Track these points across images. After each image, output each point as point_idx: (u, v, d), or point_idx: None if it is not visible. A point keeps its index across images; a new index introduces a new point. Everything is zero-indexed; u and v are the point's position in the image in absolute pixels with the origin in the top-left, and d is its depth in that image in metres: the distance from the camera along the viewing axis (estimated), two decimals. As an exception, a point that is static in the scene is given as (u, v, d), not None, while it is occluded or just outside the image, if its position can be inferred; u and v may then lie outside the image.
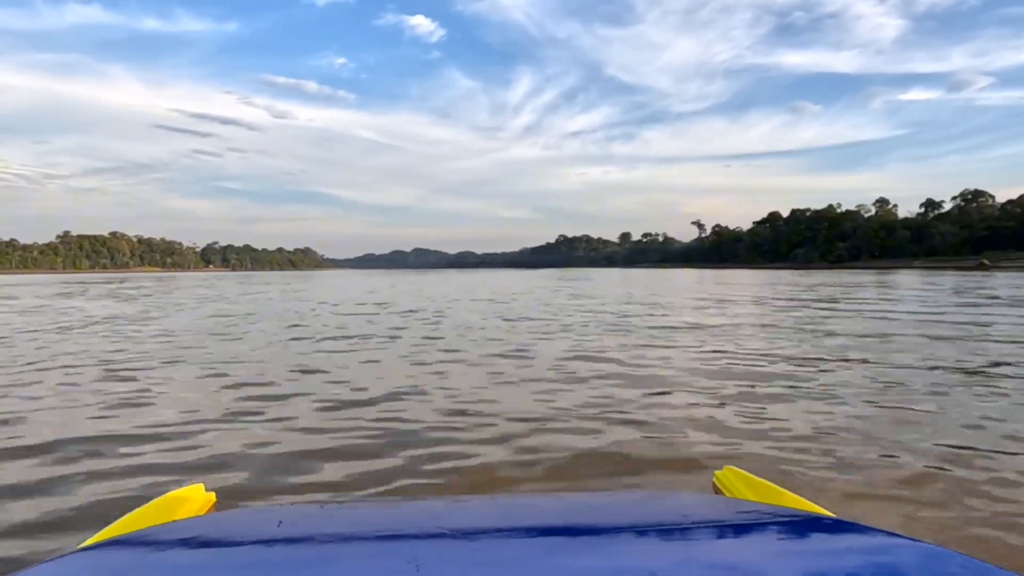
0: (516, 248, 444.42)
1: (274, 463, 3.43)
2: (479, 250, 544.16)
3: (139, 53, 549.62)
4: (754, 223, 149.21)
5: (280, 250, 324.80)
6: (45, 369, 6.57)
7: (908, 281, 31.06)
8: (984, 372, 5.90)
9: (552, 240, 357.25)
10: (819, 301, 16.96)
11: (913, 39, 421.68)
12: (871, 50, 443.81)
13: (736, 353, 7.39)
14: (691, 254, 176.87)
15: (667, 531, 0.66)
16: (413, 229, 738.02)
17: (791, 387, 5.33)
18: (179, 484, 1.66)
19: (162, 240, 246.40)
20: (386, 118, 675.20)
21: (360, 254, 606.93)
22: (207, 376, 6.14)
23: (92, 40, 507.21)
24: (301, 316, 13.73)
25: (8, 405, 4.87)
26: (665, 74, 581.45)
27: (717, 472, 1.08)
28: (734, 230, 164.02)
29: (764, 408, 4.60)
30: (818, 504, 0.85)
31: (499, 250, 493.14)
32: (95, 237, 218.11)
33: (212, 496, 1.02)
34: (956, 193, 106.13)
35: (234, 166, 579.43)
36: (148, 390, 5.45)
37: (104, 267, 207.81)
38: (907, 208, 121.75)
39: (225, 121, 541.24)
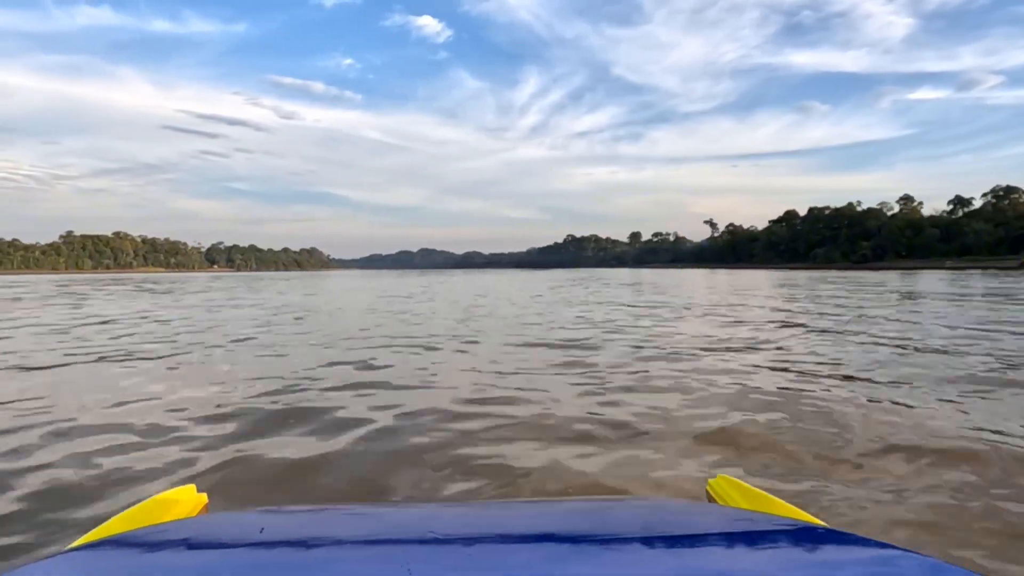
0: (523, 248, 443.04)
1: None
2: (486, 250, 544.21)
3: (148, 54, 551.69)
4: (770, 222, 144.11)
5: (286, 250, 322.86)
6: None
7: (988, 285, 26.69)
8: None
9: (560, 240, 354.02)
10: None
11: (922, 38, 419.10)
12: (879, 49, 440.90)
13: None
14: (704, 254, 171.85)
15: (659, 539, 0.65)
16: (419, 229, 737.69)
17: None
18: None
19: (166, 240, 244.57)
20: (393, 119, 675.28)
21: (366, 254, 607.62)
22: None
23: (102, 42, 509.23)
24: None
25: None
26: (672, 74, 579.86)
27: (710, 480, 1.06)
28: (749, 229, 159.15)
29: None
30: (811, 513, 0.82)
31: (506, 250, 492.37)
32: (98, 237, 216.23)
33: (204, 497, 1.01)
34: (986, 190, 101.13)
35: (242, 167, 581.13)
36: None
37: (107, 267, 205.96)
38: (929, 207, 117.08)
39: (232, 122, 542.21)
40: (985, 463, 3.26)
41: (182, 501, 0.95)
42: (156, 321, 12.63)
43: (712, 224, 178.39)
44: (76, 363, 6.97)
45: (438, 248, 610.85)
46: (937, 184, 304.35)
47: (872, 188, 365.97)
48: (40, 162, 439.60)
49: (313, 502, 1.59)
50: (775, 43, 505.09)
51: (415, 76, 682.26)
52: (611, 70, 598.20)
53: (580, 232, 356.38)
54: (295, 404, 4.79)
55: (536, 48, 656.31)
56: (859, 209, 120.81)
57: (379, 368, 6.50)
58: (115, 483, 3.07)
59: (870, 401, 4.72)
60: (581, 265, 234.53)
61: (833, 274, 52.74)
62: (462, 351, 7.91)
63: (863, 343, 8.08)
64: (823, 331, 9.61)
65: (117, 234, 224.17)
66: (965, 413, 4.33)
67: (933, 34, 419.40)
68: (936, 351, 7.22)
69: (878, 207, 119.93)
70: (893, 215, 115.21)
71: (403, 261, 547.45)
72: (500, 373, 6.12)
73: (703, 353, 7.39)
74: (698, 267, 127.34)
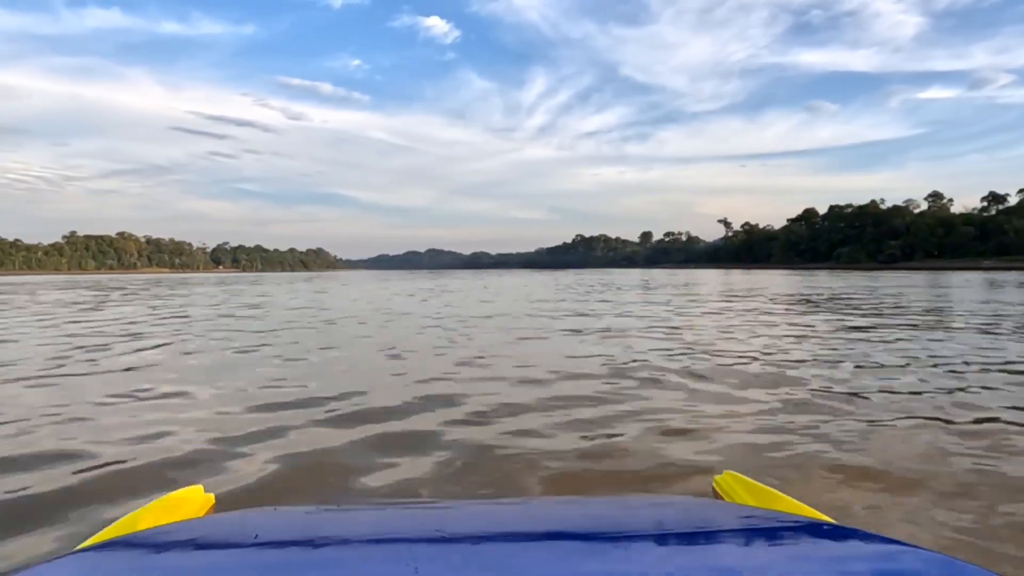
0: (531, 248, 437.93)
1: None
2: (493, 250, 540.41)
3: (157, 56, 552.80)
4: (788, 220, 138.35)
5: (292, 251, 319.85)
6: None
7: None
8: None
9: (568, 240, 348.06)
10: None
11: (932, 37, 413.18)
12: (889, 48, 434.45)
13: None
14: (718, 254, 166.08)
15: (666, 536, 0.65)
16: (427, 230, 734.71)
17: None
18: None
19: (171, 240, 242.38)
20: (401, 119, 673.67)
21: (374, 255, 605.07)
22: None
23: (112, 44, 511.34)
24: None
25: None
26: (680, 74, 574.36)
27: (716, 477, 1.04)
28: (765, 228, 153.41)
29: None
30: (818, 510, 0.81)
31: (514, 250, 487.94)
32: (101, 237, 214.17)
33: (211, 498, 1.00)
34: (999, 190, 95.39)
35: (250, 168, 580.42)
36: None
37: (111, 268, 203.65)
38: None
39: (241, 123, 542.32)
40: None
41: (190, 501, 0.94)
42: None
43: (727, 223, 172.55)
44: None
45: (445, 248, 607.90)
46: (947, 183, 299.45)
47: (882, 188, 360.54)
48: (51, 163, 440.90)
49: (320, 502, 1.34)
50: (784, 42, 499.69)
51: (423, 77, 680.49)
52: (619, 70, 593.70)
53: (588, 232, 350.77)
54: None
55: (543, 48, 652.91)
56: (883, 207, 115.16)
57: None
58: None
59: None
60: (590, 265, 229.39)
61: (886, 275, 47.67)
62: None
63: None
64: None
65: (121, 234, 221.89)
66: None
67: (943, 33, 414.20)
68: None
69: (903, 204, 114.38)
70: (921, 212, 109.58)
71: (411, 261, 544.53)
72: None
73: None
74: (713, 267, 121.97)
